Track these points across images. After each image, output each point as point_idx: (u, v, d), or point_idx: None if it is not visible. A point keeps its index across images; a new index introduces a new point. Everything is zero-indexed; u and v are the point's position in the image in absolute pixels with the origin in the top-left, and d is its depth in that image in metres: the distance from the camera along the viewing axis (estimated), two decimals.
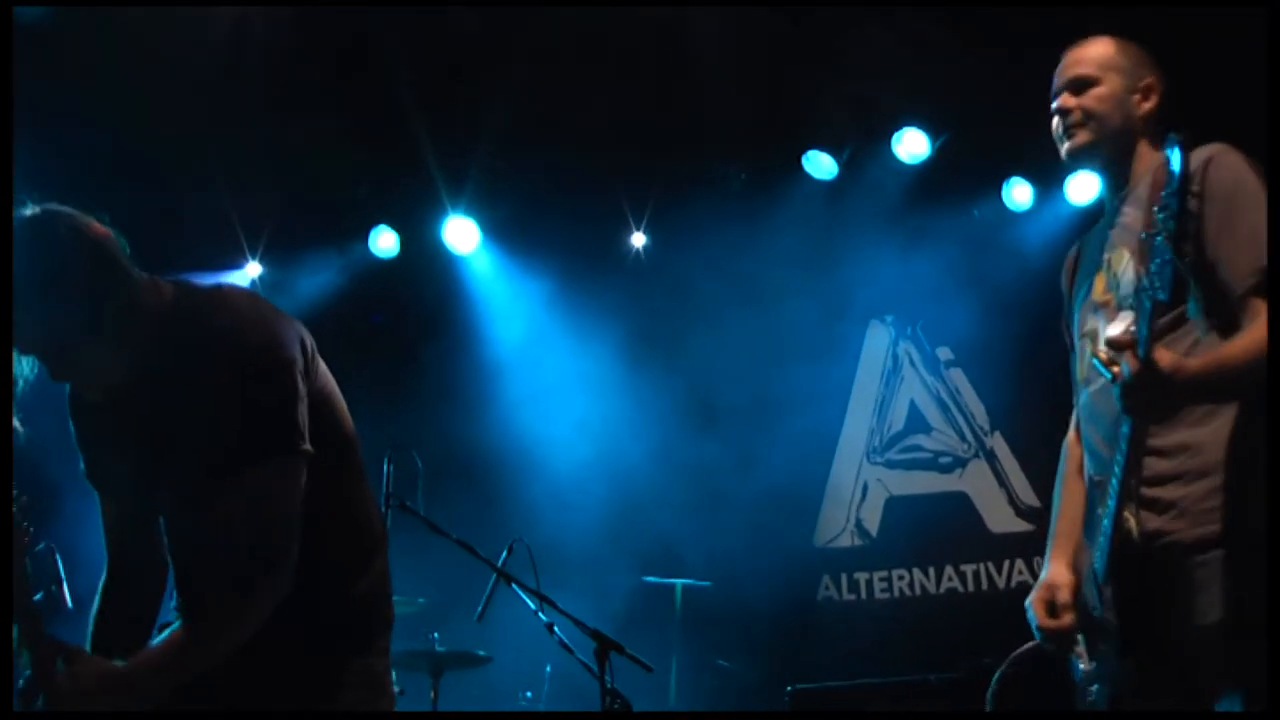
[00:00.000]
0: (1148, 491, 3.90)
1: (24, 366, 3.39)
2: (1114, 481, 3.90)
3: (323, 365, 3.53)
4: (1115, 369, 3.68)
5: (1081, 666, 4.13)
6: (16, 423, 3.42)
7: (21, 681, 3.27)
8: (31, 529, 3.45)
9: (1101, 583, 3.97)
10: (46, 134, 8.58)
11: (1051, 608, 4.21)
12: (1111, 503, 3.90)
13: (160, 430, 3.39)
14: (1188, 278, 3.61)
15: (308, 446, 3.32)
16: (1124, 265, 4.07)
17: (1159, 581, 3.86)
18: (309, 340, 3.47)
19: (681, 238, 10.20)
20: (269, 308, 3.44)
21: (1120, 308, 4.02)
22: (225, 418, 3.26)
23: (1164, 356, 3.62)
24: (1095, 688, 4.06)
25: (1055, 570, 4.28)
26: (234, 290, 3.50)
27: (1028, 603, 4.28)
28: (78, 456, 3.65)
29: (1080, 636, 4.14)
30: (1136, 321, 3.66)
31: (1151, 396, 3.66)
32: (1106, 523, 3.91)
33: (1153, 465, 3.91)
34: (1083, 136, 4.23)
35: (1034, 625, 4.25)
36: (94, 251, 3.33)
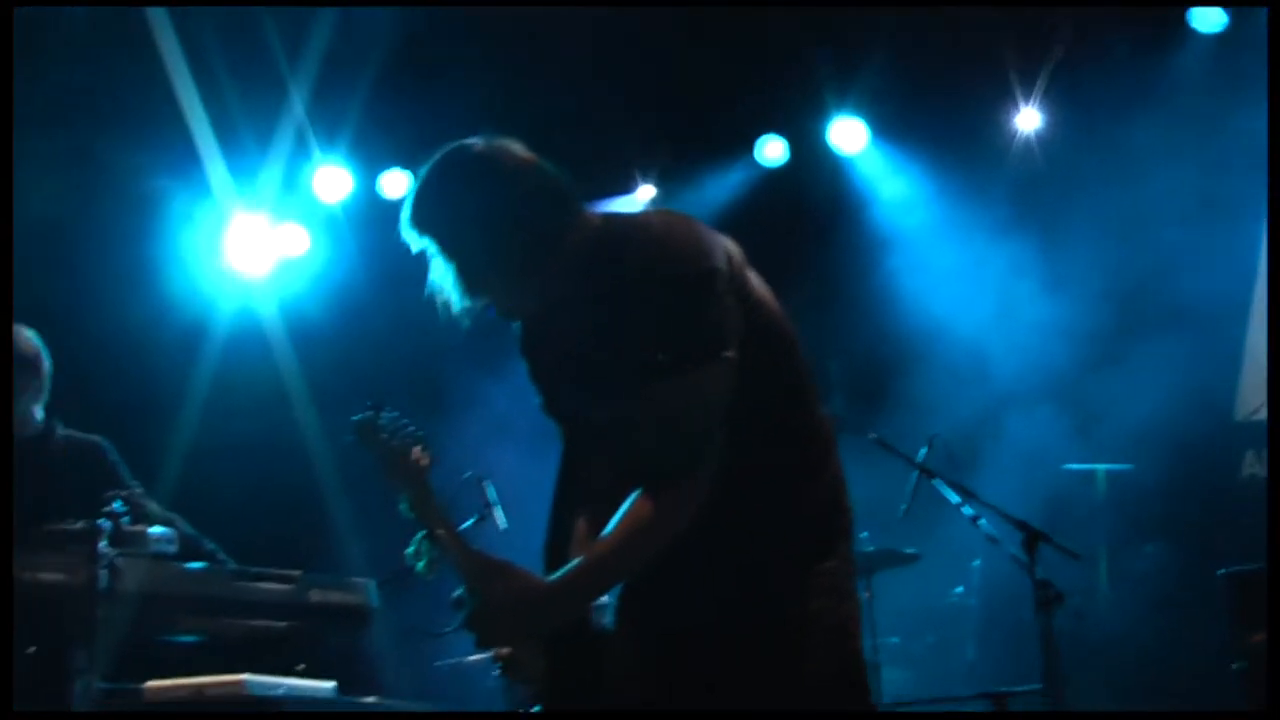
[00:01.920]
0: None
1: (470, 303, 3.51)
2: None
3: (753, 275, 3.55)
4: None
5: None
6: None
7: (457, 592, 3.42)
8: (431, 452, 3.64)
9: None
10: (440, 89, 8.99)
11: None
12: None
13: (595, 346, 3.48)
14: None
15: (732, 353, 3.35)
16: None
17: None
18: (735, 252, 3.50)
19: (1070, 114, 9.96)
20: (693, 223, 3.50)
21: None
22: (652, 328, 3.33)
23: None
24: None
25: None
26: (657, 211, 3.63)
27: None
28: (534, 393, 3.76)
29: None
30: None
31: None
32: None
33: None
34: None
35: None
36: (542, 182, 3.47)
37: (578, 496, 3.66)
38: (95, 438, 6.51)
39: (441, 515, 3.58)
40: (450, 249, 3.46)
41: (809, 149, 10.47)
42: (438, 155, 3.52)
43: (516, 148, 3.51)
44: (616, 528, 3.34)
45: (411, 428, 3.65)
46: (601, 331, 3.46)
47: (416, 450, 3.61)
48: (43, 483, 6.18)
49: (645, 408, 3.35)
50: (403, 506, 3.60)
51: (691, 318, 3.33)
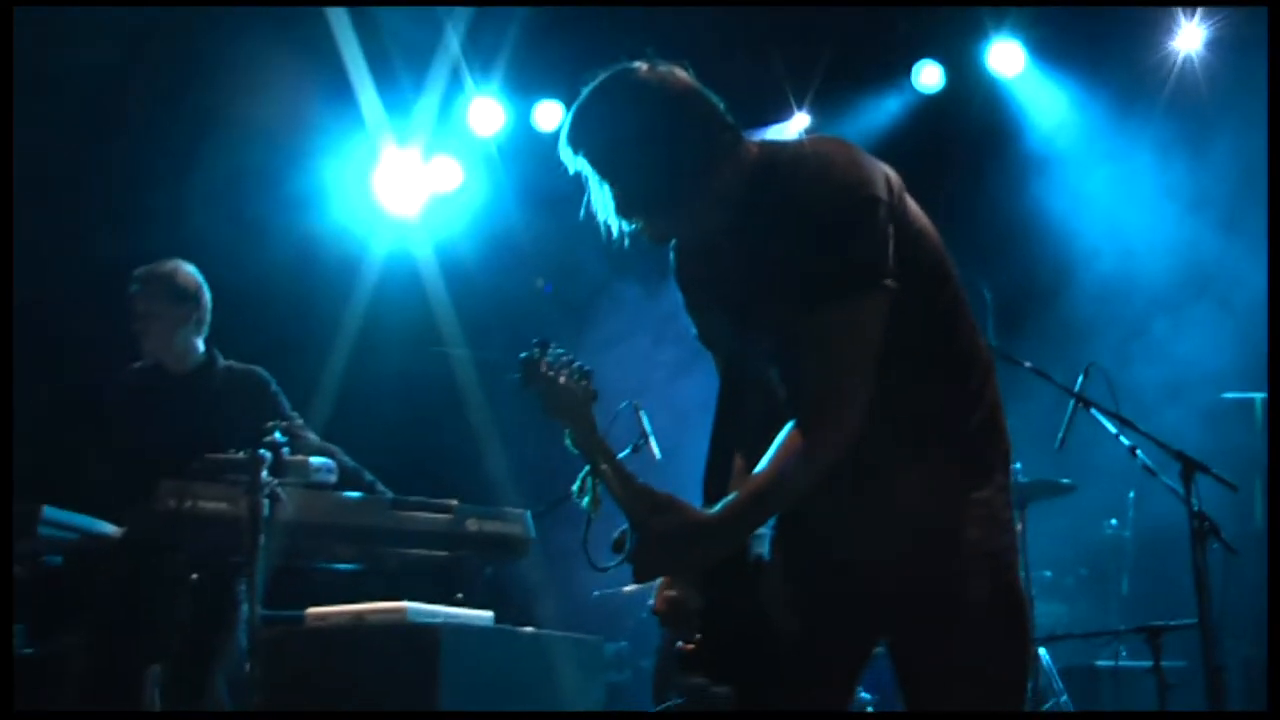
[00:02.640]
0: None
1: (623, 225, 3.51)
2: None
3: (911, 203, 3.51)
4: None
5: None
6: None
7: (617, 533, 3.44)
8: (594, 389, 3.65)
9: None
10: (594, 19, 8.98)
11: None
12: None
13: (753, 275, 3.47)
14: None
15: (891, 282, 3.33)
16: None
17: None
18: (895, 179, 3.47)
19: (1229, 35, 9.71)
20: (854, 150, 3.46)
21: None
22: (811, 256, 3.32)
23: None
24: None
25: None
26: (816, 138, 3.55)
27: None
28: (690, 323, 3.77)
29: None
30: None
31: None
32: None
33: None
34: None
35: None
36: (703, 108, 3.46)
37: (735, 427, 3.62)
38: (256, 369, 6.62)
39: (605, 450, 3.60)
40: (606, 170, 3.45)
41: (966, 74, 10.34)
42: (601, 75, 3.50)
43: (680, 73, 3.49)
44: (774, 459, 3.34)
45: (577, 363, 3.67)
46: (760, 260, 3.45)
47: (581, 386, 3.62)
48: (205, 413, 6.32)
49: (803, 336, 3.35)
50: (567, 442, 3.62)
51: (852, 246, 3.31)
